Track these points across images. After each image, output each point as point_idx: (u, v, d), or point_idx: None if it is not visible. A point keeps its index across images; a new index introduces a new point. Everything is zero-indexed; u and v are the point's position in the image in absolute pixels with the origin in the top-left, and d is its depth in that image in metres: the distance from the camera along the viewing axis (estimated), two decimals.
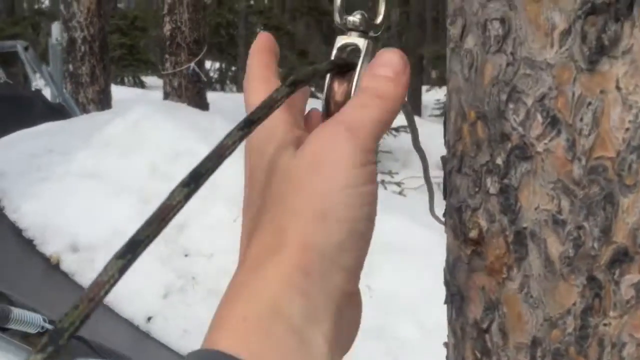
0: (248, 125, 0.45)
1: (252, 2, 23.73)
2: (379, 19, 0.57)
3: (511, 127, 0.54)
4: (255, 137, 0.50)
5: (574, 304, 0.53)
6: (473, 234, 0.58)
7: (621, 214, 0.50)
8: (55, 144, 4.68)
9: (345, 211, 0.44)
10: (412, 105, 15.43)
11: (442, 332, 2.27)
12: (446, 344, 0.72)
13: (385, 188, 7.62)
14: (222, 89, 24.05)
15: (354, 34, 0.55)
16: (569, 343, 0.53)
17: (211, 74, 22.90)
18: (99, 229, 3.37)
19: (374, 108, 0.47)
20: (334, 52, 0.55)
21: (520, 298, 0.56)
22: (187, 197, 0.41)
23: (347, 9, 0.55)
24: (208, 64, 16.55)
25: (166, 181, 3.70)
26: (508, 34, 0.52)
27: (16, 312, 1.98)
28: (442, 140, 0.65)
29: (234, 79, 26.12)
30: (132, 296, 2.89)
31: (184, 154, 3.87)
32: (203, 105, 9.10)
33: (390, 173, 9.57)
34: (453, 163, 0.61)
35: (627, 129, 0.48)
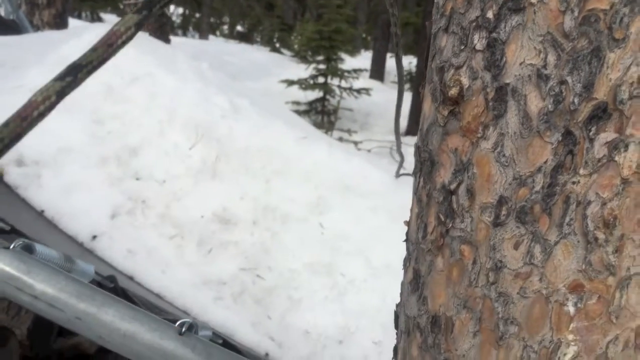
0: (73, 73, 0.32)
1: None
2: None
3: None
4: None
5: (546, 162, 0.53)
6: (453, 91, 0.57)
7: (605, 69, 0.50)
8: (7, 58, 4.46)
9: None
10: (376, 71, 15.35)
11: (388, 270, 2.30)
12: (406, 222, 0.72)
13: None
14: (184, 35, 23.31)
15: None
16: (535, 201, 0.54)
17: (174, 19, 22.10)
18: (47, 145, 3.25)
19: None
20: None
21: (493, 157, 0.56)
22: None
23: None
24: (171, 8, 15.94)
25: (121, 103, 3.59)
26: None
27: None
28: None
29: (196, 26, 25.33)
30: (78, 214, 2.82)
31: (142, 77, 3.75)
32: (165, 41, 8.82)
33: (349, 131, 9.59)
34: (440, 23, 0.60)
35: None
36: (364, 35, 21.82)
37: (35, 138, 3.39)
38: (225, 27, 28.90)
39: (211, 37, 21.12)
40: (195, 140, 3.11)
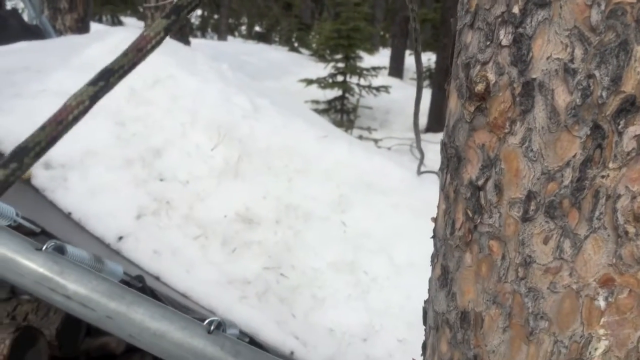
0: (106, 77, 0.34)
1: None
2: None
3: None
4: None
5: (574, 156, 0.53)
6: (479, 87, 0.57)
7: (633, 62, 0.50)
8: (31, 62, 4.54)
9: None
10: (395, 68, 15.31)
11: (410, 268, 2.28)
12: (433, 218, 0.73)
13: None
14: (203, 36, 23.48)
15: None
16: (564, 196, 0.54)
17: (192, 21, 22.26)
18: (73, 148, 3.31)
19: None
20: None
21: (520, 152, 0.56)
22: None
23: None
24: None
25: (144, 105, 3.63)
26: None
27: None
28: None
29: (215, 27, 25.48)
30: (104, 215, 2.87)
31: (164, 79, 3.79)
32: (185, 42, 8.91)
33: (369, 129, 9.58)
34: (465, 20, 0.60)
35: None
36: (382, 33, 21.74)
37: (61, 141, 3.45)
38: (244, 27, 29.02)
39: (229, 38, 21.24)
40: (217, 140, 3.14)
